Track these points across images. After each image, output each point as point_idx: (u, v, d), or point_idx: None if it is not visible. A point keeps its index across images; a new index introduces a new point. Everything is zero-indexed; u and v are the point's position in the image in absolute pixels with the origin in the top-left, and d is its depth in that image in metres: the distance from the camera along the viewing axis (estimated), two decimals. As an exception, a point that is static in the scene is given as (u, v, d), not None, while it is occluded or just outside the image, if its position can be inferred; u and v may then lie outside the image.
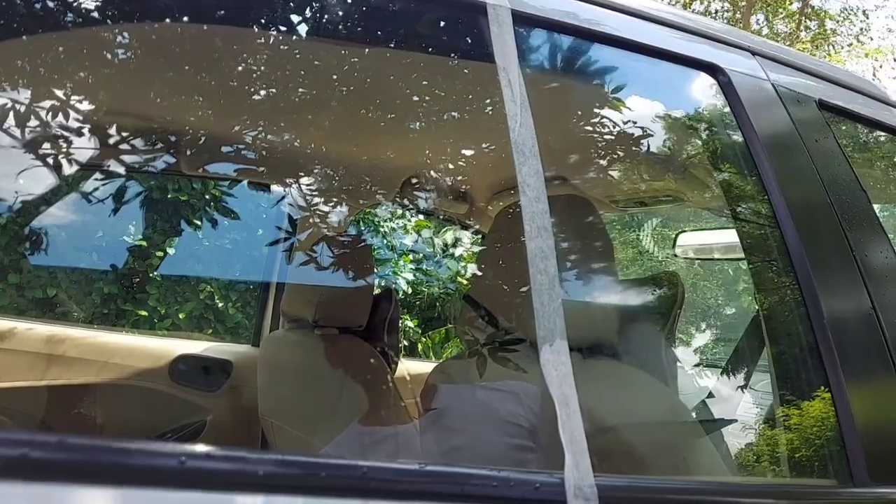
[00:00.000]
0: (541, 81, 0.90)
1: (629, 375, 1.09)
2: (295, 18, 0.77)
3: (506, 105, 0.77)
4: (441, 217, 2.70)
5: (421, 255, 4.72)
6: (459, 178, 2.10)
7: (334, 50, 0.91)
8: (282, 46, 0.84)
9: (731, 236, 1.89)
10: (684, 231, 2.15)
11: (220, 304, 3.78)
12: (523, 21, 0.84)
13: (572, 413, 0.63)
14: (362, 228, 3.61)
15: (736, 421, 1.36)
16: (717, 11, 13.54)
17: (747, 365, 1.38)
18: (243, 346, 2.27)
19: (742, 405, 1.37)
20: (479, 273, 1.31)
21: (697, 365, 2.11)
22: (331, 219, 2.13)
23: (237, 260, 2.32)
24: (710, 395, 1.29)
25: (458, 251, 4.95)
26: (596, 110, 1.12)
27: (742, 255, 1.99)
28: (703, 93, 1.02)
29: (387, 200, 2.54)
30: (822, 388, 0.89)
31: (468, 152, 1.76)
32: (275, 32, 0.76)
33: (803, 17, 12.78)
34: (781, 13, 12.88)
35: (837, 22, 12.98)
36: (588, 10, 0.91)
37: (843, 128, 1.14)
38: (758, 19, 13.10)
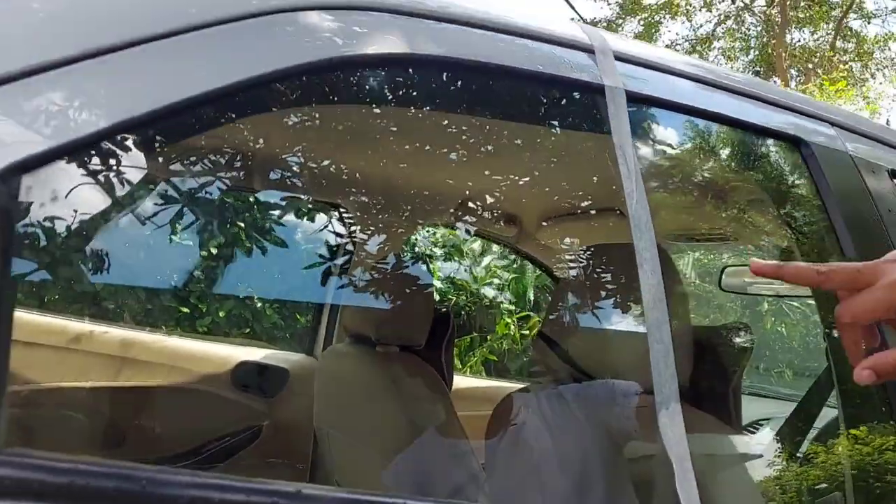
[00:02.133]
0: (648, 154, 0.98)
1: (698, 420, 1.16)
2: (433, 95, 0.85)
3: (622, 181, 0.84)
4: (488, 238, 2.79)
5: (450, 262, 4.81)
6: (511, 203, 2.19)
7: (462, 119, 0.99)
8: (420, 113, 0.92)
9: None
10: (729, 266, 2.22)
11: (259, 305, 3.90)
12: (634, 100, 0.91)
13: (687, 471, 0.71)
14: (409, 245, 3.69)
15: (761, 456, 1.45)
16: (749, 30, 13.54)
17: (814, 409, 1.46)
18: (299, 355, 2.36)
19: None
20: (556, 313, 1.38)
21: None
22: (388, 239, 2.22)
23: (292, 273, 2.40)
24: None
25: (485, 261, 5.03)
26: (695, 179, 1.20)
27: (787, 294, 2.06)
28: (788, 162, 1.09)
29: (441, 221, 2.63)
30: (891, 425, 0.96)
31: (523, 182, 1.83)
32: (417, 108, 0.84)
33: (838, 37, 12.77)
34: (815, 31, 12.88)
35: (877, 45, 12.97)
36: (690, 89, 0.99)
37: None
38: (792, 37, 13.09)
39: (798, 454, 1.56)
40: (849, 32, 13.19)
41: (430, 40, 0.77)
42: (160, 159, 1.07)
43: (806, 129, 1.09)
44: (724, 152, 1.10)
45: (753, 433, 2.03)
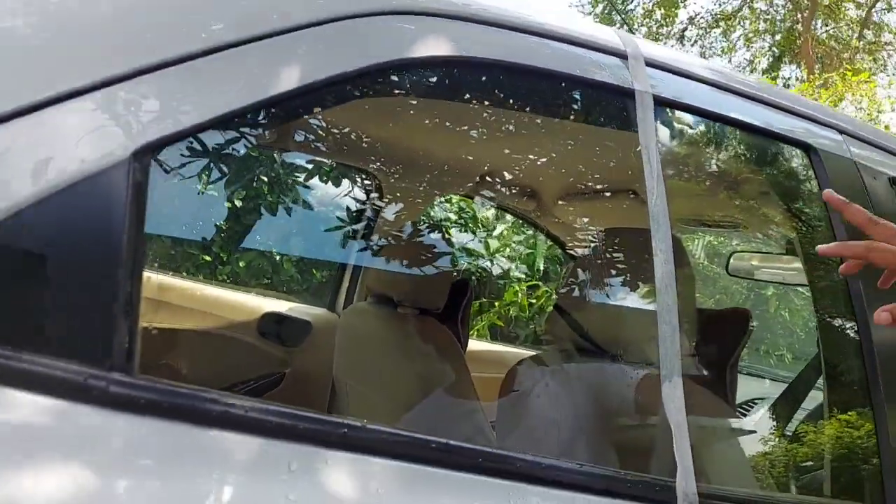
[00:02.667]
0: (669, 154, 1.08)
1: (696, 394, 1.28)
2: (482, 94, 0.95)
3: (645, 177, 0.95)
4: (507, 210, 2.90)
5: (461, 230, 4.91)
6: (532, 180, 2.29)
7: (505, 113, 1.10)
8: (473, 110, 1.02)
9: (780, 264, 2.07)
10: (737, 251, 2.32)
11: (277, 258, 4.05)
12: (660, 103, 1.01)
13: (683, 437, 0.83)
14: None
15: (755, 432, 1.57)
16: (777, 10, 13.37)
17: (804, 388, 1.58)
18: (321, 309, 2.49)
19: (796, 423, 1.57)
20: (571, 284, 1.49)
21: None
22: (412, 206, 2.33)
23: (319, 234, 2.53)
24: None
25: (498, 230, 5.13)
26: (711, 176, 1.31)
27: (790, 282, 2.16)
28: (797, 165, 1.19)
29: (463, 192, 2.73)
30: (869, 413, 1.08)
31: (543, 159, 1.92)
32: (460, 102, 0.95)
33: (864, 28, 12.65)
34: (841, 21, 12.75)
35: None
36: (710, 94, 1.08)
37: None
38: (816, 24, 12.95)
39: (787, 433, 1.69)
40: (874, 25, 13.05)
41: (479, 44, 0.88)
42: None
43: (815, 134, 1.19)
44: (739, 153, 1.20)
45: (748, 411, 2.16)
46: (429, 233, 2.27)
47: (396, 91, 0.85)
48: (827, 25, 13.29)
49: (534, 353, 1.71)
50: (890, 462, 1.05)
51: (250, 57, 0.70)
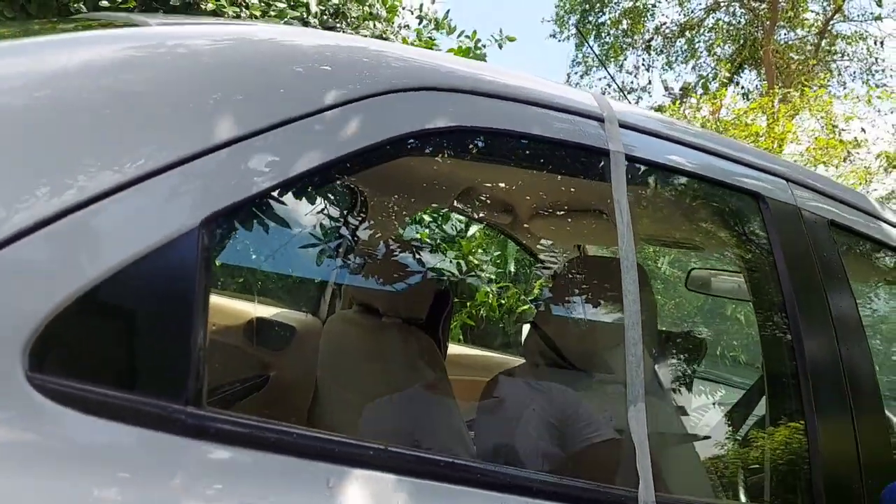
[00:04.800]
0: (637, 204, 1.24)
1: (655, 404, 1.45)
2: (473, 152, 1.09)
3: (617, 228, 1.10)
4: (485, 223, 3.05)
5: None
6: (509, 195, 2.44)
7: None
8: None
9: (734, 282, 2.27)
10: (695, 268, 2.51)
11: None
12: (630, 160, 1.16)
13: (645, 453, 0.98)
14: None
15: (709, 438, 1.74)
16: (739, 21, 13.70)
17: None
18: (304, 314, 2.61)
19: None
20: (548, 304, 1.64)
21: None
22: (392, 219, 2.46)
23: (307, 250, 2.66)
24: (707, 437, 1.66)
25: (471, 231, 5.29)
26: (673, 222, 1.47)
27: (741, 297, 2.35)
28: (747, 212, 1.36)
29: (443, 206, 2.87)
30: (801, 421, 1.24)
31: (521, 178, 2.07)
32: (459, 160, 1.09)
33: (822, 39, 13.06)
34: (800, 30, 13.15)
35: (848, 44, 13.27)
36: (675, 150, 1.24)
37: (844, 240, 1.48)
38: (778, 33, 13.33)
39: (737, 438, 1.86)
40: (829, 35, 13.50)
41: (480, 114, 1.02)
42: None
43: (764, 184, 1.35)
44: (697, 204, 1.37)
45: (701, 417, 2.34)
46: (409, 243, 2.41)
47: (408, 156, 0.99)
48: (787, 34, 13.71)
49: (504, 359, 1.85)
50: (820, 466, 1.21)
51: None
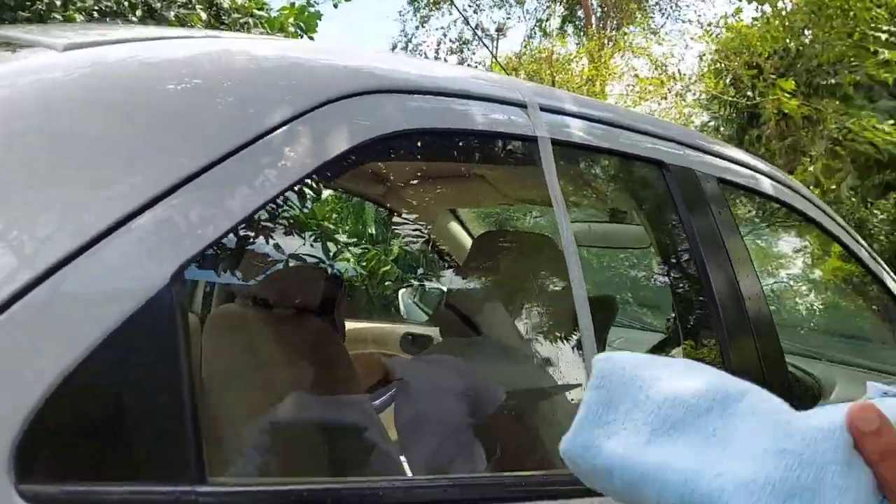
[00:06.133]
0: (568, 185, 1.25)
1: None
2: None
3: (555, 210, 1.11)
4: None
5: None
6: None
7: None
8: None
9: (615, 230, 2.38)
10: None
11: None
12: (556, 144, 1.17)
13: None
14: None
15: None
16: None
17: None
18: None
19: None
20: (461, 286, 1.65)
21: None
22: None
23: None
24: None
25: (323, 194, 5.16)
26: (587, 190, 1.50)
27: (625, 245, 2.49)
28: (654, 179, 1.42)
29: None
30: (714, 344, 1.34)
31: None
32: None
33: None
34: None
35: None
36: (588, 127, 1.27)
37: (733, 194, 1.60)
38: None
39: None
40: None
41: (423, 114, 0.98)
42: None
43: (665, 152, 1.41)
44: (611, 176, 1.42)
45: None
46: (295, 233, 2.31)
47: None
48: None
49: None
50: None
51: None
